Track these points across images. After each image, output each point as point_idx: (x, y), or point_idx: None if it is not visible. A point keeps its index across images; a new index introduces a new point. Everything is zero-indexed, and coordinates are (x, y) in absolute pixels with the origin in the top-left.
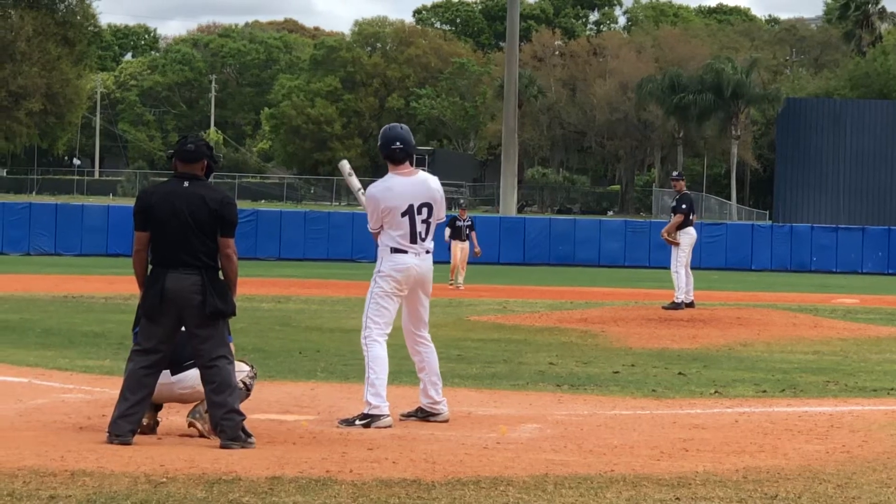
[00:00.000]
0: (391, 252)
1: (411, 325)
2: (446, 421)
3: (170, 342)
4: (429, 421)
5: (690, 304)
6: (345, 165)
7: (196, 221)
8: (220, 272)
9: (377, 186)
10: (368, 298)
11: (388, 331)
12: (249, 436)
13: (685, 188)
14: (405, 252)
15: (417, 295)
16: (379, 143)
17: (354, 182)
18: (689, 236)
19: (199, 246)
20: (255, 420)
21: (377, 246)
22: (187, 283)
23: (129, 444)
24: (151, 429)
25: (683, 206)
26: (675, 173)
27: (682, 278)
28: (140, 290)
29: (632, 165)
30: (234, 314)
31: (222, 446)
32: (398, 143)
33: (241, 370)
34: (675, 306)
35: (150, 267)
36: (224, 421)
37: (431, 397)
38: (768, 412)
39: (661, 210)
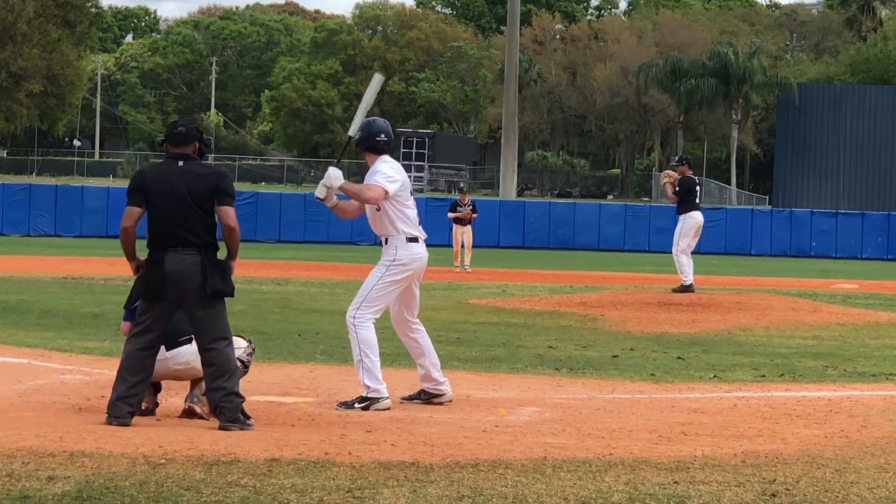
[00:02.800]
0: (407, 241)
1: (406, 312)
2: (451, 401)
3: (167, 322)
4: (432, 403)
5: (689, 288)
6: (379, 79)
7: (194, 197)
8: (218, 251)
9: (393, 162)
10: (374, 281)
11: (378, 316)
12: (248, 418)
13: (688, 172)
14: (417, 241)
15: (413, 284)
16: (360, 136)
17: (371, 101)
18: (692, 220)
19: (197, 222)
20: (253, 402)
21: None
22: (188, 264)
23: (127, 425)
24: (150, 411)
25: (677, 189)
26: (675, 160)
27: (683, 262)
28: (130, 264)
29: (632, 149)
30: (232, 294)
31: (221, 428)
32: (382, 136)
33: (239, 346)
34: (685, 289)
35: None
36: (223, 403)
37: (435, 379)
38: (767, 397)
39: (661, 194)
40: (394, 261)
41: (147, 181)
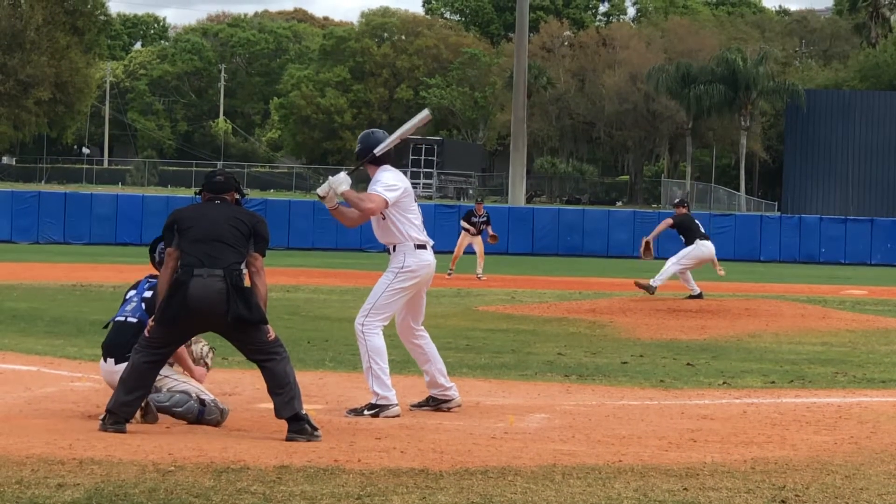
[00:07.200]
0: (415, 248)
1: (411, 320)
2: (459, 406)
3: (179, 343)
4: (441, 409)
5: (699, 296)
6: (426, 114)
7: (227, 226)
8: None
9: (394, 170)
10: (382, 289)
11: (387, 323)
12: (316, 429)
13: (683, 211)
14: (425, 248)
15: (422, 291)
16: (360, 148)
17: (408, 131)
18: (705, 248)
19: (227, 242)
20: (262, 409)
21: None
22: (212, 291)
23: (123, 432)
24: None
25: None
26: (675, 200)
27: (668, 273)
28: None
29: (640, 156)
30: (260, 321)
31: (287, 439)
32: (382, 146)
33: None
34: (648, 288)
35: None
36: (284, 409)
37: (442, 385)
38: (777, 403)
39: (670, 201)
40: (402, 268)
41: (180, 214)
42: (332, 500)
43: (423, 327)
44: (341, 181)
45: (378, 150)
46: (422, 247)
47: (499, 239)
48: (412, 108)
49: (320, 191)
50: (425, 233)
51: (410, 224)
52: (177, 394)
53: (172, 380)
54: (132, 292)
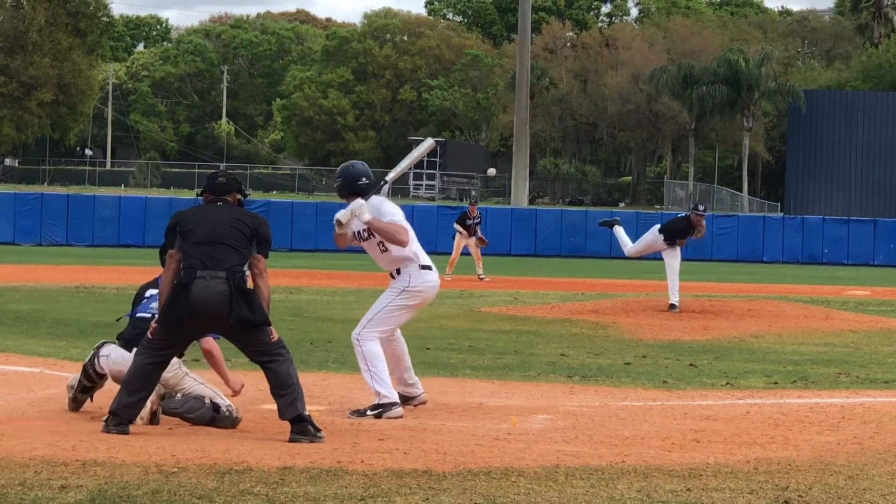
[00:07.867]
0: (421, 269)
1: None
2: (424, 402)
3: (183, 345)
4: (407, 405)
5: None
6: (430, 143)
7: (229, 228)
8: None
9: (389, 202)
10: (384, 304)
11: (384, 336)
12: (319, 430)
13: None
14: (431, 269)
15: (419, 308)
16: (340, 182)
17: (415, 160)
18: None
19: (230, 244)
20: (265, 410)
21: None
22: (215, 293)
23: (126, 433)
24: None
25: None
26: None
27: (677, 284)
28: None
29: (643, 157)
30: (263, 324)
31: (290, 440)
32: (364, 179)
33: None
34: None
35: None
36: (287, 411)
37: (405, 381)
38: (780, 404)
39: (673, 201)
40: (408, 286)
41: (182, 216)
42: (335, 502)
43: (398, 331)
44: (363, 206)
45: (389, 177)
46: (427, 268)
47: (487, 243)
48: (414, 109)
49: (342, 216)
50: (425, 252)
51: (415, 247)
52: (190, 399)
53: (191, 379)
54: (152, 290)
